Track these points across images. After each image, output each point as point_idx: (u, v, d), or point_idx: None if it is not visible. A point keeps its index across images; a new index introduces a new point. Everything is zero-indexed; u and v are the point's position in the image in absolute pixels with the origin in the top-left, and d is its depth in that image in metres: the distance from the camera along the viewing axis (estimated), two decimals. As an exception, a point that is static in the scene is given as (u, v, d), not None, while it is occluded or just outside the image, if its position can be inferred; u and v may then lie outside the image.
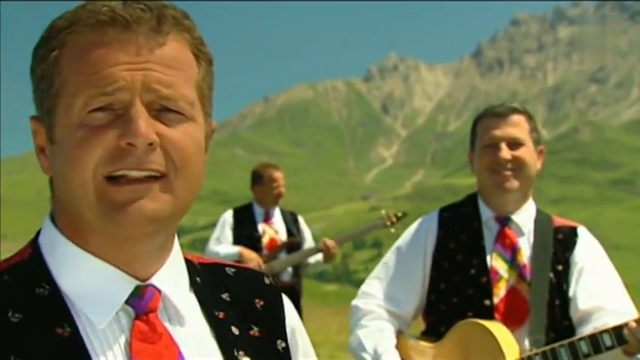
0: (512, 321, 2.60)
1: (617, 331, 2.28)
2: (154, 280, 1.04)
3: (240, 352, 1.08)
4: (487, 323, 2.54)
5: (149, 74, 0.98)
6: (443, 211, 2.88)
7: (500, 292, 2.66)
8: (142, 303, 1.02)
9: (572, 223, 2.81)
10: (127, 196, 0.97)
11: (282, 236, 6.03)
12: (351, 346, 2.75)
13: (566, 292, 2.64)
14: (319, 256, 5.98)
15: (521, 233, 2.73)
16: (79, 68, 0.99)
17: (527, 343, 2.57)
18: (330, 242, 5.82)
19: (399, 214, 5.85)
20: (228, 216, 6.06)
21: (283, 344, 1.16)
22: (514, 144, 2.67)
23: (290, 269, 5.93)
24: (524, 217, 2.75)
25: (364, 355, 2.66)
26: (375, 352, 2.63)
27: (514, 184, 2.67)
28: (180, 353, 1.02)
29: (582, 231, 2.76)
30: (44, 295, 1.00)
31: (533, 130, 2.74)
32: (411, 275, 2.79)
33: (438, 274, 2.77)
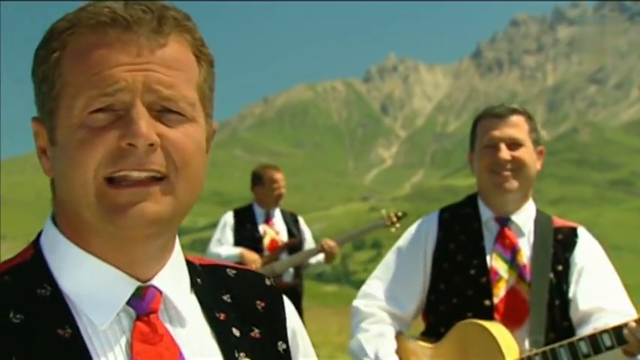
0: (512, 321, 2.60)
1: (617, 332, 2.27)
2: (155, 282, 1.04)
3: (241, 354, 1.08)
4: (487, 324, 2.54)
5: (150, 75, 0.99)
6: (443, 212, 2.88)
7: (499, 292, 2.66)
8: (143, 304, 1.02)
9: (572, 224, 2.81)
10: (127, 198, 0.97)
11: (283, 237, 6.04)
12: (352, 350, 2.75)
13: (566, 292, 2.64)
14: (320, 257, 5.98)
15: (521, 234, 2.73)
16: (79, 69, 0.99)
17: (526, 343, 2.57)
18: (331, 242, 5.84)
19: (400, 214, 5.85)
20: (228, 217, 6.07)
21: (284, 346, 1.16)
22: (514, 144, 2.67)
23: (291, 270, 5.93)
24: (524, 217, 2.75)
25: (365, 359, 2.66)
26: (377, 356, 2.63)
27: (514, 184, 2.67)
28: (181, 354, 1.02)
29: (582, 231, 2.77)
30: (45, 296, 1.00)
31: (533, 130, 2.74)
32: (411, 276, 2.80)
33: (438, 275, 2.77)
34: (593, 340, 2.31)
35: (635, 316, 2.33)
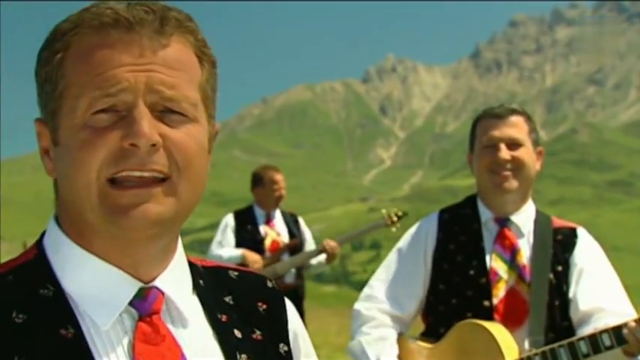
0: (512, 322, 2.61)
1: (617, 331, 2.28)
2: (158, 282, 1.04)
3: (243, 355, 1.08)
4: (487, 324, 2.55)
5: (152, 75, 0.99)
6: (442, 213, 2.89)
7: (499, 292, 2.66)
8: (146, 305, 1.03)
9: (572, 224, 2.81)
10: (130, 199, 0.97)
11: (284, 238, 6.04)
12: (352, 353, 2.75)
13: (565, 293, 2.64)
14: (321, 257, 5.97)
15: (520, 234, 2.73)
16: (82, 70, 0.99)
17: (526, 343, 2.57)
18: (332, 243, 5.82)
19: (400, 214, 5.82)
20: (229, 219, 6.07)
21: (285, 348, 1.16)
22: (513, 144, 2.67)
23: (293, 271, 5.92)
24: (524, 217, 2.75)
25: None
26: None
27: (513, 184, 2.67)
28: (182, 355, 1.02)
29: (582, 232, 2.77)
30: (48, 296, 1.00)
31: (532, 130, 2.75)
32: (412, 277, 2.80)
33: (438, 275, 2.77)
34: (593, 340, 2.31)
35: (635, 316, 2.34)
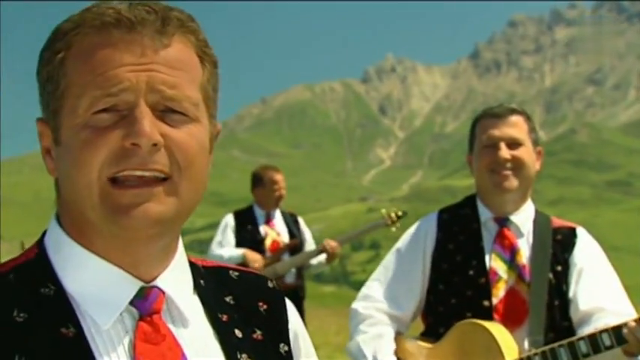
0: (512, 322, 2.60)
1: (617, 331, 2.27)
2: (159, 282, 1.05)
3: (243, 355, 1.08)
4: (486, 323, 2.54)
5: (154, 75, 0.99)
6: (442, 213, 2.88)
7: (499, 292, 2.66)
8: (146, 304, 1.03)
9: (571, 224, 2.81)
10: (131, 199, 0.98)
11: (284, 238, 6.04)
12: (350, 352, 2.75)
13: (565, 292, 2.64)
14: (321, 257, 5.97)
15: (520, 234, 2.73)
16: (84, 69, 1.00)
17: (526, 343, 2.57)
18: (332, 243, 5.83)
19: (400, 213, 5.82)
20: (229, 219, 6.08)
21: (286, 348, 1.16)
22: (513, 144, 2.67)
23: (293, 270, 5.93)
24: (523, 217, 2.75)
25: None
26: (375, 358, 2.64)
27: (513, 183, 2.67)
28: (183, 354, 1.02)
29: (581, 232, 2.77)
30: (49, 295, 1.00)
31: (532, 130, 2.75)
32: (410, 277, 2.80)
33: (437, 276, 2.77)
34: (593, 339, 2.31)
35: (635, 315, 2.33)
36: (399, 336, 2.76)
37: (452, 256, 2.76)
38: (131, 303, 1.02)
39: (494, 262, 2.69)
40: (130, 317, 1.02)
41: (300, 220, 6.39)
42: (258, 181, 6.09)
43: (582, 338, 2.34)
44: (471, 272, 2.69)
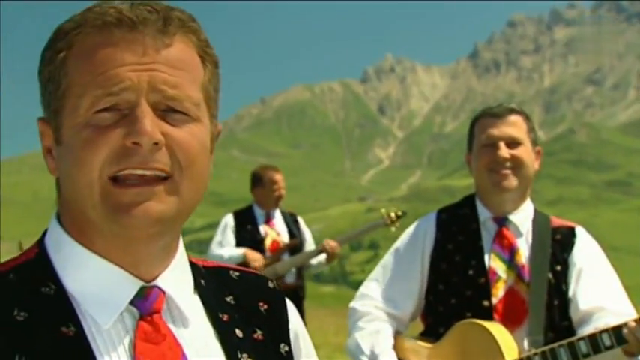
0: (511, 321, 2.61)
1: (617, 331, 2.28)
2: (159, 282, 1.05)
3: (244, 355, 1.08)
4: (486, 323, 2.55)
5: (155, 75, 0.99)
6: (441, 213, 2.88)
7: (498, 292, 2.66)
8: (147, 304, 1.03)
9: (570, 224, 2.81)
10: (132, 198, 0.98)
11: (284, 238, 6.04)
12: (348, 348, 2.76)
13: (565, 292, 2.64)
14: (321, 257, 5.97)
15: (519, 234, 2.73)
16: (85, 69, 1.00)
17: (525, 343, 2.57)
18: (332, 243, 5.82)
19: (399, 213, 5.80)
20: (229, 219, 6.07)
21: (286, 348, 1.16)
22: (512, 143, 2.68)
23: (293, 270, 5.92)
24: (522, 217, 2.75)
25: (361, 356, 2.66)
26: (372, 352, 2.64)
27: (512, 182, 2.67)
28: (183, 354, 1.02)
29: (580, 231, 2.77)
30: (50, 294, 1.00)
31: (531, 130, 2.75)
32: (409, 277, 2.80)
33: (437, 275, 2.77)
34: (593, 339, 2.31)
35: (635, 315, 2.34)
36: (398, 335, 2.76)
37: (451, 255, 2.76)
38: (131, 302, 1.02)
39: (494, 262, 2.70)
40: (131, 317, 1.02)
41: (300, 219, 6.39)
42: (258, 181, 6.09)
43: (582, 338, 2.34)
44: (471, 272, 2.70)
